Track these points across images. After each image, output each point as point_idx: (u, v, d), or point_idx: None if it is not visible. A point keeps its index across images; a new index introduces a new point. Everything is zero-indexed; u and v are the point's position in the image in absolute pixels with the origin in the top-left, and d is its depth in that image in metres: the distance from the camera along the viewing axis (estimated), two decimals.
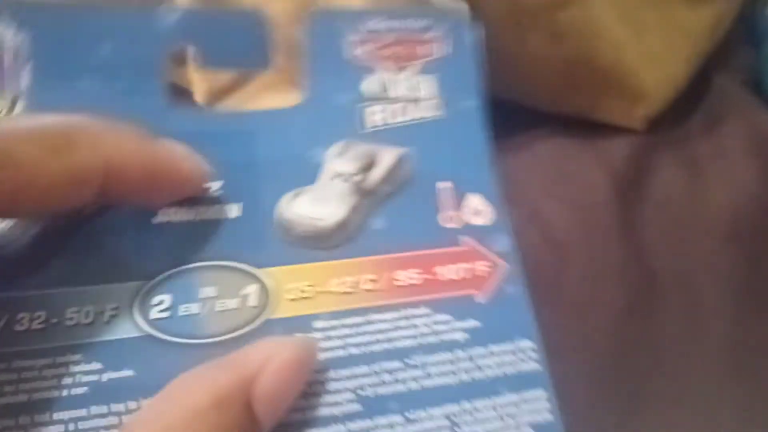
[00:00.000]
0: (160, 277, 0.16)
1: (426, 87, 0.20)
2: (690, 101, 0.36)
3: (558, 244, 0.29)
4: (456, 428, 0.16)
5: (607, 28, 0.32)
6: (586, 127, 0.36)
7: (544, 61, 0.33)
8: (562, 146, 0.35)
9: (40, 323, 0.15)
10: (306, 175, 0.19)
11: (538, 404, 0.17)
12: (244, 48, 0.20)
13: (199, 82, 0.37)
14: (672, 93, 0.36)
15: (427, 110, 0.20)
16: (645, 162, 0.34)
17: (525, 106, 0.37)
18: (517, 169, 0.34)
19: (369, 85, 0.20)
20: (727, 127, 0.34)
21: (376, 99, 0.20)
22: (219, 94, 0.37)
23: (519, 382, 0.17)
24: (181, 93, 0.41)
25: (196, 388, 0.13)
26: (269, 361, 0.14)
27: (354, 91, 0.20)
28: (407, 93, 0.20)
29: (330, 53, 0.20)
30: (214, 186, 0.18)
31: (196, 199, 0.18)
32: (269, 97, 0.36)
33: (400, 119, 0.20)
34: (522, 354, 0.18)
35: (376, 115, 0.20)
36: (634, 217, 0.30)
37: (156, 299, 0.16)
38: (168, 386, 0.13)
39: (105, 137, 0.15)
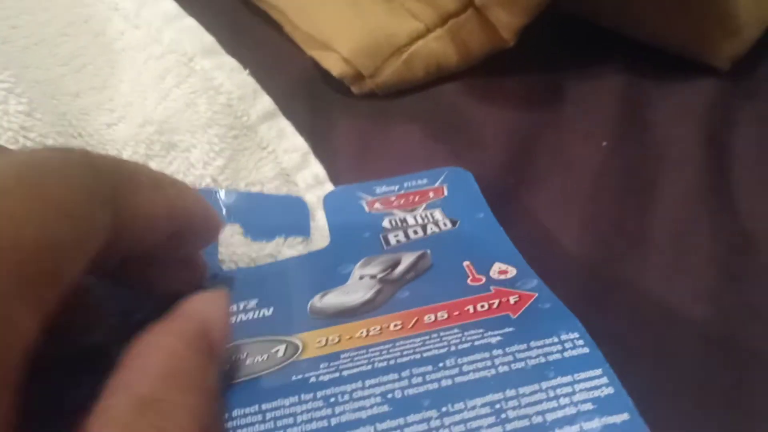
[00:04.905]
0: None
1: (437, 214, 0.23)
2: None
3: (638, 194, 0.25)
4: (501, 414, 0.14)
5: None
6: (658, 64, 0.31)
7: None
8: (635, 83, 0.30)
9: None
10: (335, 282, 0.20)
11: (596, 381, 0.15)
12: None
13: None
14: (759, 33, 0.32)
15: (442, 226, 0.22)
16: (725, 114, 0.29)
17: (611, 29, 0.31)
18: (586, 100, 0.29)
19: (388, 221, 0.23)
20: None
21: (395, 229, 0.22)
22: None
23: (569, 366, 0.16)
24: None
25: (168, 336, 0.14)
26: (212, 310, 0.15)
27: (376, 228, 0.22)
28: (422, 220, 0.23)
29: (352, 211, 0.23)
30: (250, 303, 0.19)
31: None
32: None
33: (419, 235, 0.22)
34: (569, 343, 0.16)
35: (396, 238, 0.22)
36: (722, 173, 0.26)
37: None
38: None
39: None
